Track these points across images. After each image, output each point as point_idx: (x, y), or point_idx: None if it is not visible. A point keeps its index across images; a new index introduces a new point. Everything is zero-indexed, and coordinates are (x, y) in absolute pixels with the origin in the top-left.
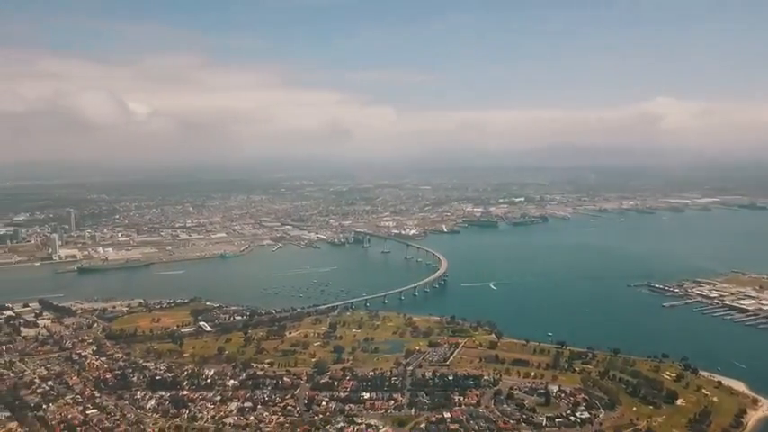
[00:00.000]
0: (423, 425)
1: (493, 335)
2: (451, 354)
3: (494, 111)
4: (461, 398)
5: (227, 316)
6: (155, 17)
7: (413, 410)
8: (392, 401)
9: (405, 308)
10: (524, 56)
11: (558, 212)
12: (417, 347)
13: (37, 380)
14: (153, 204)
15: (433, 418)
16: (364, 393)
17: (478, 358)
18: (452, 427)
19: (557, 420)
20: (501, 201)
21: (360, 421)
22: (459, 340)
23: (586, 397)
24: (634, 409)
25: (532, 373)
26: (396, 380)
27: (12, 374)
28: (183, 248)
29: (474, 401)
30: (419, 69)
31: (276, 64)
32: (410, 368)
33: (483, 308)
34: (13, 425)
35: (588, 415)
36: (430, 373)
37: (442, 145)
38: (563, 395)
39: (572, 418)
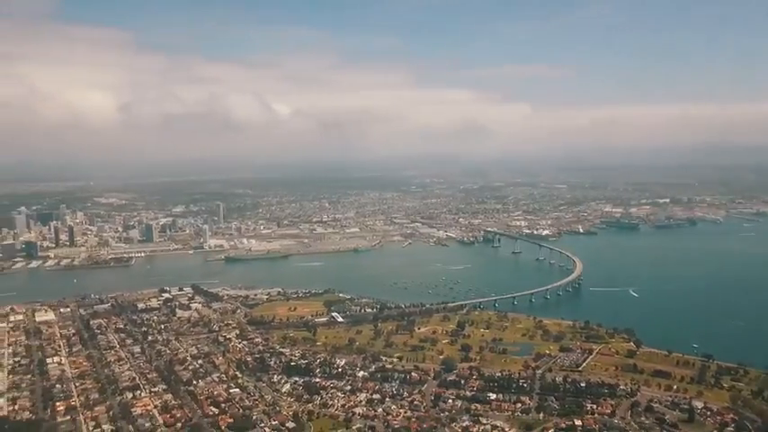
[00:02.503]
0: (551, 430)
1: (631, 343)
2: (584, 360)
3: (635, 106)
4: (594, 406)
5: (358, 308)
6: (293, 19)
7: (541, 415)
8: (519, 404)
9: (535, 310)
10: (667, 49)
11: (708, 215)
12: (548, 351)
13: (189, 358)
14: (292, 200)
15: (563, 425)
16: (491, 394)
17: (614, 366)
18: None
19: None
20: (643, 201)
21: (485, 422)
22: (594, 346)
23: (736, 417)
24: None
25: (674, 387)
26: (524, 382)
27: (168, 351)
28: (320, 242)
29: (608, 411)
30: (554, 64)
31: (409, 63)
32: (539, 372)
33: (621, 314)
34: (168, 396)
35: None
36: (560, 379)
37: (578, 142)
38: (709, 413)
39: None
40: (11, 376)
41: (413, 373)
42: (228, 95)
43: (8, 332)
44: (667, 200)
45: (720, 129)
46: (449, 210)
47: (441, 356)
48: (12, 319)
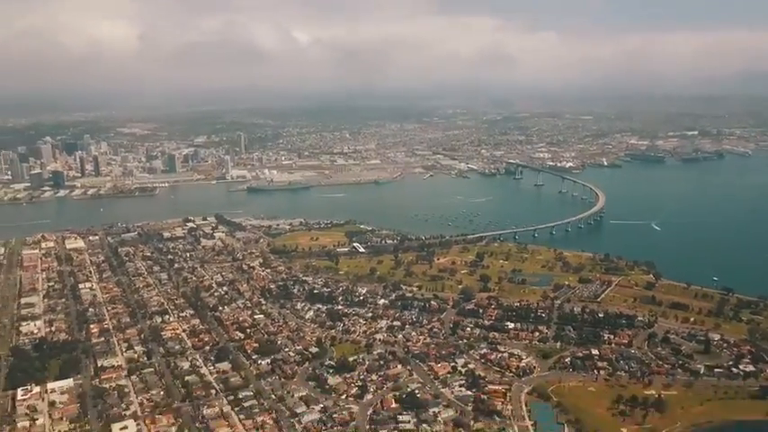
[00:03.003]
0: (568, 359)
1: (651, 275)
2: (603, 291)
3: (667, 33)
4: (611, 336)
5: (379, 239)
6: None
7: (558, 344)
8: (537, 333)
9: (556, 243)
10: None
11: (737, 148)
12: (567, 282)
13: (214, 285)
14: (313, 131)
15: (580, 354)
16: (509, 323)
17: (633, 298)
18: (600, 364)
19: (716, 371)
20: (670, 134)
21: (503, 349)
22: (613, 278)
23: (752, 349)
24: None
25: (692, 319)
26: (542, 312)
27: (194, 278)
28: (340, 173)
29: (625, 341)
30: None
31: None
32: (558, 302)
33: (642, 248)
34: (196, 321)
35: (753, 369)
36: (579, 309)
37: (606, 72)
38: (725, 345)
39: (734, 370)
40: (46, 300)
41: (432, 302)
42: (248, 23)
43: (40, 258)
44: (695, 132)
45: (754, 55)
46: (471, 141)
47: (459, 286)
48: (43, 246)
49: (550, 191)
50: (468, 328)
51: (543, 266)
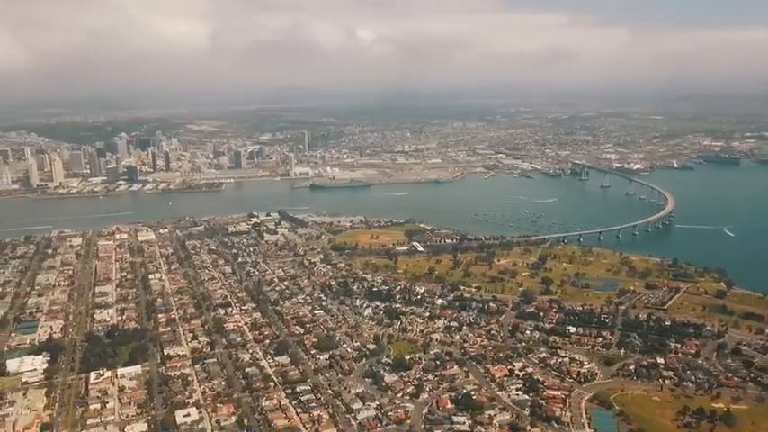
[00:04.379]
0: (632, 367)
1: (722, 283)
2: (671, 298)
3: (748, 29)
4: (678, 345)
5: (438, 238)
6: None
7: (622, 350)
8: (600, 339)
9: (622, 246)
10: None
11: None
12: (632, 288)
13: (276, 279)
14: (375, 129)
15: (644, 362)
16: (571, 327)
17: (702, 306)
18: (665, 374)
19: None
20: (747, 135)
21: (563, 354)
22: (681, 285)
23: None
24: None
25: (766, 331)
26: (606, 318)
27: (257, 272)
28: (401, 172)
29: (692, 351)
30: None
31: None
32: (622, 308)
33: (713, 253)
34: (257, 315)
35: None
36: (644, 316)
37: (681, 69)
38: None
39: None
40: (118, 289)
41: (491, 303)
42: (312, 21)
43: (115, 249)
44: None
45: None
46: (535, 141)
47: (520, 288)
48: (117, 237)
49: (617, 193)
50: (528, 331)
51: (608, 270)
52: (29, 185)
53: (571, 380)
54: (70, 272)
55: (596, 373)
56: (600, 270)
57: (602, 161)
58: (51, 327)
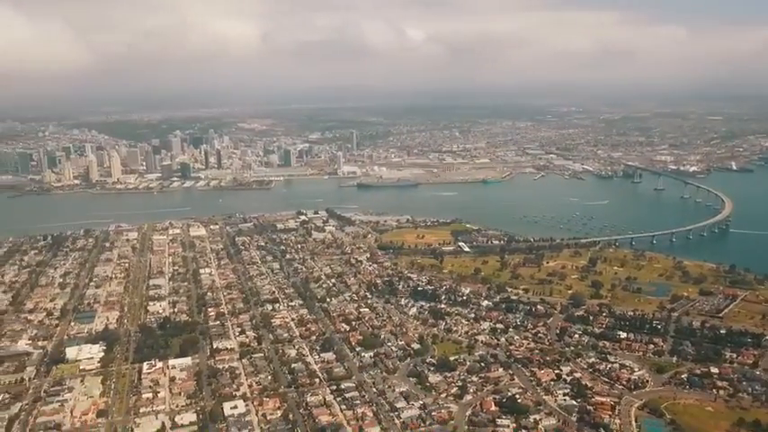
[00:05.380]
0: (684, 375)
1: None
2: (727, 306)
3: None
4: (734, 355)
5: (485, 239)
6: None
7: (674, 358)
8: (651, 345)
9: (675, 251)
10: None
11: None
12: (686, 294)
13: (323, 276)
14: (423, 128)
15: (698, 371)
16: (621, 332)
17: (761, 315)
18: (720, 384)
19: None
20: None
21: (613, 360)
22: (739, 292)
23: None
24: None
25: None
26: (658, 324)
27: (304, 269)
28: (448, 172)
29: (749, 362)
30: None
31: None
32: (675, 314)
33: None
34: (304, 311)
35: None
36: (698, 323)
37: (741, 68)
38: None
39: None
40: (171, 282)
41: (538, 306)
42: (361, 21)
43: (168, 244)
44: None
45: None
46: (586, 141)
47: (569, 291)
48: (171, 232)
49: (671, 196)
50: (576, 335)
51: (660, 275)
52: (89, 181)
53: (621, 386)
54: (126, 265)
55: (647, 381)
56: (652, 275)
57: (656, 163)
58: (108, 317)
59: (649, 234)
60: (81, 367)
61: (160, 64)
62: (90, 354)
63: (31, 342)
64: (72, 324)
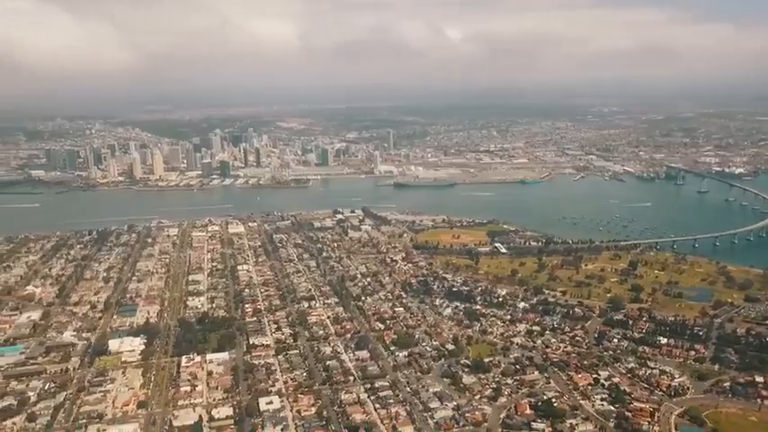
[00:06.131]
0: (727, 383)
1: None
2: None
3: None
4: None
5: (522, 240)
6: None
7: (717, 366)
8: (693, 352)
9: (719, 255)
10: None
11: None
12: (730, 300)
13: (358, 275)
14: (460, 128)
15: (741, 380)
16: (661, 338)
17: None
18: (764, 393)
19: None
20: None
21: (653, 365)
22: None
23: None
24: None
25: None
26: (700, 330)
27: (340, 268)
28: (486, 172)
29: None
30: None
31: None
32: (718, 320)
33: None
34: (339, 309)
35: None
36: (743, 330)
37: None
38: None
39: None
40: (209, 278)
41: (576, 309)
42: (399, 20)
43: (207, 240)
44: None
45: None
46: (628, 142)
47: (608, 294)
48: (210, 229)
49: (716, 198)
50: (615, 340)
51: (703, 280)
52: (132, 177)
53: (660, 393)
54: (167, 260)
55: (688, 388)
56: (694, 279)
57: (700, 165)
58: (149, 311)
59: (692, 237)
60: (123, 359)
61: (201, 63)
62: (131, 346)
63: (75, 333)
64: (115, 317)
